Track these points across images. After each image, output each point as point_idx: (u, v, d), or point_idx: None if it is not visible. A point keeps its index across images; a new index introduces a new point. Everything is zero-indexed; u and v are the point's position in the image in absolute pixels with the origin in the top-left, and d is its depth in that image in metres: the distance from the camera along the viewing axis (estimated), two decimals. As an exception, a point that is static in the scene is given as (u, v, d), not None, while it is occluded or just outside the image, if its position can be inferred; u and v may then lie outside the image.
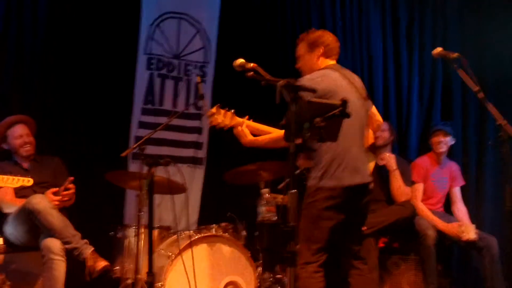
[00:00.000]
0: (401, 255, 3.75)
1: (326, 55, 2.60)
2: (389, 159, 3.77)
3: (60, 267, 2.92)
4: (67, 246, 2.98)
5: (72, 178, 3.23)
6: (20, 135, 3.41)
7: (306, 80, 2.39)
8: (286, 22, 4.65)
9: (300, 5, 4.62)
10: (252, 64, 2.15)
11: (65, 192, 3.20)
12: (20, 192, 3.23)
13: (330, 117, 1.87)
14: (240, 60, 2.22)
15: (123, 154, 3.04)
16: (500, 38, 4.30)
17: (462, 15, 4.58)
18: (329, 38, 2.63)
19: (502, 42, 4.29)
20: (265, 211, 2.94)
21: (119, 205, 4.12)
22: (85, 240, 3.06)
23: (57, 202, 3.17)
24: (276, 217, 2.91)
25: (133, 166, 4.17)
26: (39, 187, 3.28)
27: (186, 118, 4.53)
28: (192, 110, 4.56)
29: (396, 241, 3.83)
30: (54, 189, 3.20)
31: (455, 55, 2.41)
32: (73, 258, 2.99)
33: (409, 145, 4.47)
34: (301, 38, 2.67)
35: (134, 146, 3.05)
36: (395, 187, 3.75)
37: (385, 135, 3.79)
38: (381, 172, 3.78)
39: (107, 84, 4.17)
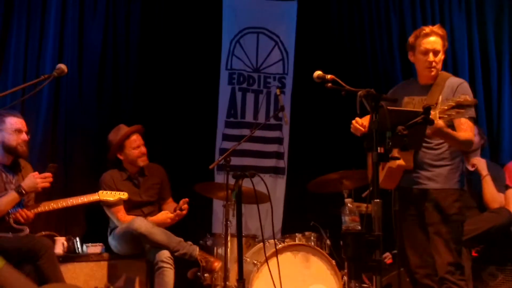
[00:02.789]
0: (497, 265, 3.55)
1: None
2: (480, 163, 3.60)
3: (170, 274, 3.17)
4: (176, 254, 3.24)
5: (187, 199, 3.43)
6: (138, 145, 3.56)
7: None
8: (363, 32, 4.61)
9: (379, 14, 4.57)
10: (330, 76, 2.22)
11: (178, 212, 3.43)
12: (131, 207, 3.49)
13: (412, 125, 1.87)
14: (318, 72, 2.29)
15: (211, 166, 3.22)
16: None
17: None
18: None
19: None
20: (349, 221, 2.97)
21: (207, 215, 4.31)
22: (189, 242, 3.32)
23: (169, 221, 3.42)
24: (360, 227, 2.91)
25: (219, 177, 4.36)
26: (149, 206, 3.56)
27: (267, 129, 4.64)
28: (272, 121, 4.67)
29: (491, 250, 3.63)
30: (168, 215, 3.43)
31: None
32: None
33: (501, 148, 4.23)
34: (443, 34, 2.65)
35: (220, 158, 3.21)
36: (487, 193, 3.57)
37: (475, 139, 3.63)
38: (472, 178, 3.62)
39: (193, 99, 4.40)
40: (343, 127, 4.37)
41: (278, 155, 4.66)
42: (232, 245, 3.32)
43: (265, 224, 3.93)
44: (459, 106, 2.04)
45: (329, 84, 2.19)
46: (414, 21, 4.47)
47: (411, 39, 2.68)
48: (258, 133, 4.51)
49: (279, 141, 4.67)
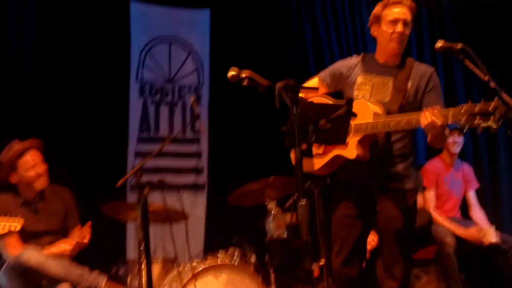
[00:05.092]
0: (420, 266, 3.55)
1: None
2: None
3: None
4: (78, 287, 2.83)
5: (89, 223, 3.06)
6: (33, 165, 3.06)
7: None
8: (278, 39, 4.55)
9: (292, 21, 4.53)
10: (246, 72, 1.98)
11: (79, 240, 3.03)
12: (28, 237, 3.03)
13: (336, 118, 1.72)
14: (232, 72, 2.04)
15: (118, 184, 2.86)
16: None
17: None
18: None
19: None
20: (275, 228, 2.73)
21: (120, 240, 3.95)
22: (96, 271, 2.91)
23: (68, 251, 3.02)
24: (287, 234, 2.70)
25: (132, 198, 4.01)
26: (50, 236, 3.11)
27: (183, 143, 4.41)
28: (189, 134, 4.45)
29: (414, 253, 3.63)
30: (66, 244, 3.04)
31: (460, 45, 2.27)
32: None
33: (416, 150, 4.30)
34: (412, 7, 2.37)
35: (129, 175, 2.86)
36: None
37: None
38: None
39: (101, 113, 4.05)
40: (265, 136, 4.35)
41: (197, 171, 4.43)
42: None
43: (186, 245, 3.66)
44: (492, 113, 1.86)
45: (245, 82, 1.98)
46: (327, 26, 4.48)
47: (376, 9, 2.39)
48: (175, 148, 4.30)
49: (197, 155, 4.44)
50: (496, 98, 1.92)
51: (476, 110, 1.89)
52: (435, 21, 4.44)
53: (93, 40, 4.09)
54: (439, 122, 2.01)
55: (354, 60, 2.47)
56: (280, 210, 2.79)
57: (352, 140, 2.19)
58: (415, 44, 4.33)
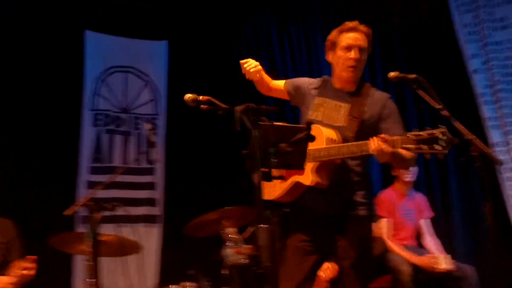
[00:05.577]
0: (377, 295, 3.54)
1: None
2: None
3: None
4: None
5: (34, 257, 2.83)
6: None
7: None
8: (234, 71, 4.57)
9: (249, 46, 4.58)
10: (203, 97, 1.95)
11: (22, 274, 2.80)
12: None
13: (297, 141, 1.72)
14: (189, 95, 1.97)
15: (67, 212, 2.71)
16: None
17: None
18: None
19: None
20: (234, 254, 2.63)
21: (66, 274, 3.72)
22: None
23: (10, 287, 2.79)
24: (247, 260, 2.61)
25: (81, 230, 3.82)
26: None
27: (137, 174, 4.30)
28: (144, 164, 4.34)
29: (370, 282, 3.62)
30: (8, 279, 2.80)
31: (413, 76, 2.35)
32: None
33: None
34: (368, 33, 2.35)
35: (77, 204, 2.72)
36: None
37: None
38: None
39: (50, 142, 3.91)
40: (222, 167, 4.30)
41: (150, 202, 4.30)
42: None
43: (139, 279, 3.50)
44: (436, 140, 1.85)
45: (205, 106, 1.95)
46: (284, 58, 4.56)
47: (332, 35, 2.37)
48: (128, 178, 4.18)
49: (151, 186, 4.32)
50: (439, 125, 1.96)
51: (422, 136, 1.90)
52: (386, 50, 4.61)
53: (45, 67, 3.97)
54: (386, 149, 2.02)
55: (316, 81, 2.48)
56: (240, 237, 2.71)
57: (308, 166, 2.18)
58: (368, 68, 4.49)
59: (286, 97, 2.53)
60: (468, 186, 4.27)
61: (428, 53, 4.41)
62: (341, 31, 2.33)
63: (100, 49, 4.37)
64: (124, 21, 4.41)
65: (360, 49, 2.30)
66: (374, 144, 2.05)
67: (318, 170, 2.18)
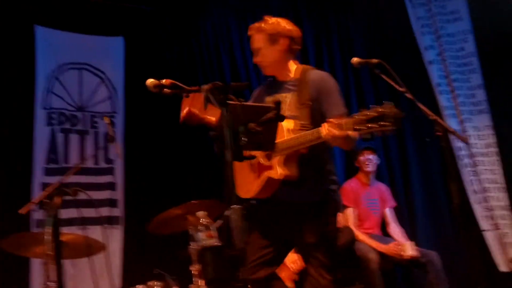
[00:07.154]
0: (345, 286, 3.54)
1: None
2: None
3: None
4: None
5: None
6: None
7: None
8: (196, 73, 4.49)
9: (210, 55, 4.51)
10: (167, 80, 1.86)
11: None
12: None
13: (266, 121, 1.67)
14: (152, 80, 1.86)
15: (22, 210, 2.54)
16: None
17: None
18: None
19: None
20: (205, 237, 2.54)
21: (23, 279, 3.51)
22: None
23: None
24: (220, 242, 2.53)
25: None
26: None
27: (97, 174, 4.12)
28: (102, 164, 4.17)
29: (337, 271, 3.62)
30: None
31: (376, 60, 2.37)
32: None
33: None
34: (258, 26, 2.37)
35: (28, 205, 2.54)
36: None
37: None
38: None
39: (1, 142, 3.69)
40: (183, 164, 4.19)
41: (111, 203, 4.13)
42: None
43: (103, 282, 3.35)
44: (382, 117, 1.79)
45: (168, 90, 1.87)
46: (245, 60, 4.52)
47: None
48: (87, 179, 4.00)
49: (111, 186, 4.16)
50: (384, 102, 1.90)
51: (370, 115, 1.84)
52: (343, 37, 4.64)
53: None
54: (336, 133, 1.98)
55: (260, 87, 2.55)
56: (211, 220, 2.63)
57: (275, 160, 2.15)
58: (327, 58, 4.53)
59: None
60: (429, 173, 4.36)
61: (387, 45, 4.49)
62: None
63: (52, 45, 4.16)
64: (77, 17, 4.23)
65: (255, 51, 2.38)
66: (325, 130, 2.02)
67: (285, 163, 2.16)
